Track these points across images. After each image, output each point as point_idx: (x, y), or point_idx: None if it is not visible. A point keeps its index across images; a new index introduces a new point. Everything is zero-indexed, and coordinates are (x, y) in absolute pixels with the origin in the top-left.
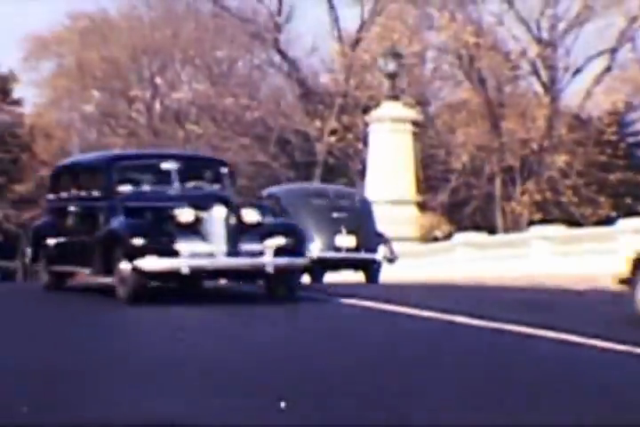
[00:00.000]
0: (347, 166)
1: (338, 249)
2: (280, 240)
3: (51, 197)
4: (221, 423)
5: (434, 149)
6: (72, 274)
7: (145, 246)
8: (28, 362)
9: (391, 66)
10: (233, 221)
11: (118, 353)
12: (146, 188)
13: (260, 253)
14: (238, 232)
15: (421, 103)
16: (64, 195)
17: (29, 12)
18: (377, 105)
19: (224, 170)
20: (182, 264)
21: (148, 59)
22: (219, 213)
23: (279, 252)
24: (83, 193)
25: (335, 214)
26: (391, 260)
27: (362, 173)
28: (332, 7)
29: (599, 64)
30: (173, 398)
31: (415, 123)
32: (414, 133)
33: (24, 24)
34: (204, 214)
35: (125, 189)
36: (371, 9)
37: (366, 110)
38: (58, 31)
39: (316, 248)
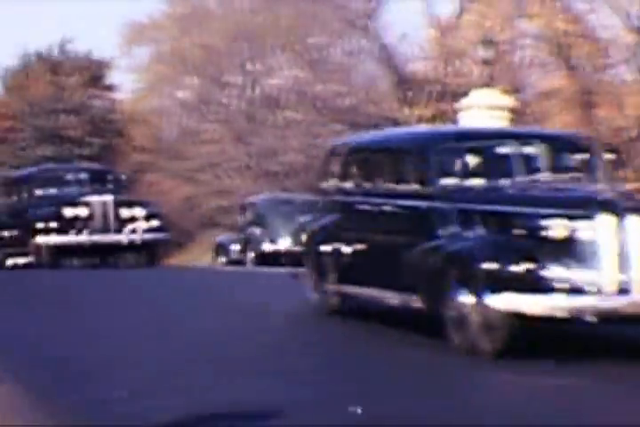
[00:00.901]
0: None
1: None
2: None
3: (330, 186)
4: None
5: None
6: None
7: (504, 275)
8: None
9: (484, 53)
10: (624, 237)
11: None
12: (482, 182)
13: None
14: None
15: (514, 91)
16: (350, 186)
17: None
18: (468, 92)
19: (598, 155)
20: (559, 305)
21: (245, 45)
22: (606, 225)
23: None
24: (383, 186)
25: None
26: None
27: None
28: None
29: None
30: None
31: (510, 110)
32: (510, 120)
33: (122, 10)
34: (582, 227)
35: (452, 182)
36: None
37: (458, 98)
38: (156, 17)
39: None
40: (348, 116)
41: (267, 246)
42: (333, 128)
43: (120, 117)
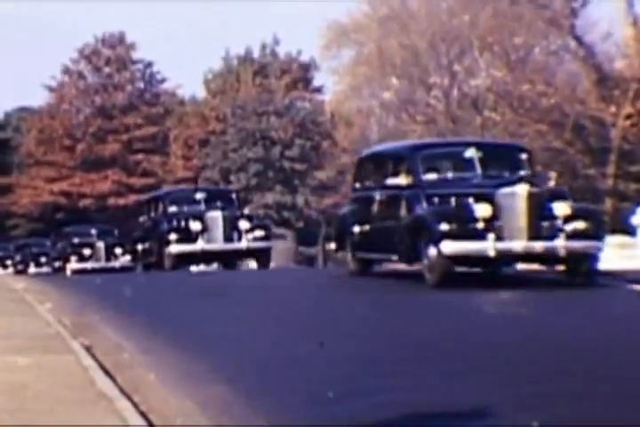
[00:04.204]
0: None
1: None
2: None
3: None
4: None
5: None
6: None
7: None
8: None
9: None
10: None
11: None
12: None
13: None
14: None
15: None
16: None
17: (330, 1)
18: None
19: None
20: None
21: (446, 46)
22: None
23: None
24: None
25: None
26: None
27: None
28: None
29: None
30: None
31: None
32: None
33: (325, 13)
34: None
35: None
36: None
37: None
38: (358, 19)
39: None
40: (550, 116)
41: None
42: (536, 128)
43: (327, 119)
